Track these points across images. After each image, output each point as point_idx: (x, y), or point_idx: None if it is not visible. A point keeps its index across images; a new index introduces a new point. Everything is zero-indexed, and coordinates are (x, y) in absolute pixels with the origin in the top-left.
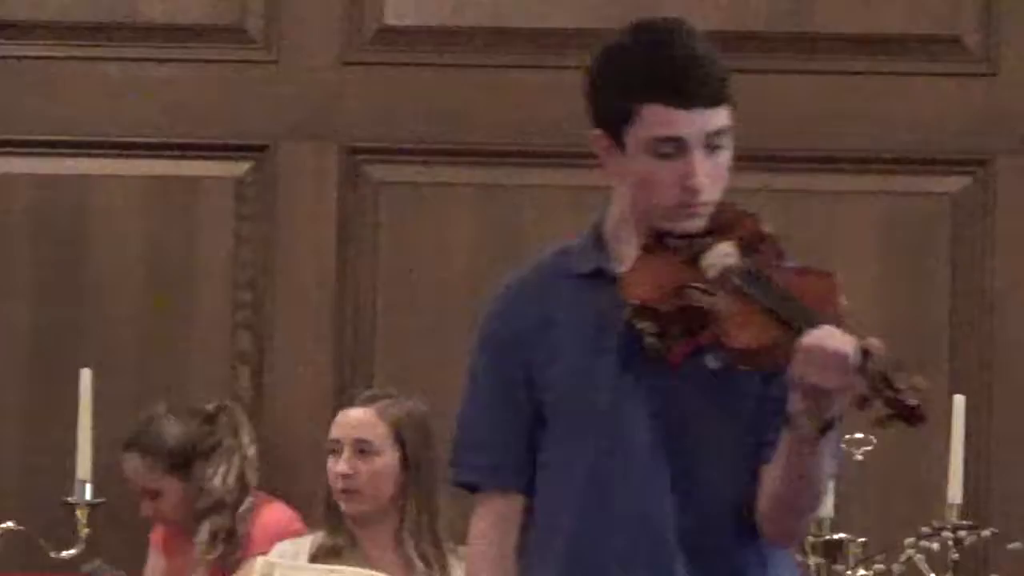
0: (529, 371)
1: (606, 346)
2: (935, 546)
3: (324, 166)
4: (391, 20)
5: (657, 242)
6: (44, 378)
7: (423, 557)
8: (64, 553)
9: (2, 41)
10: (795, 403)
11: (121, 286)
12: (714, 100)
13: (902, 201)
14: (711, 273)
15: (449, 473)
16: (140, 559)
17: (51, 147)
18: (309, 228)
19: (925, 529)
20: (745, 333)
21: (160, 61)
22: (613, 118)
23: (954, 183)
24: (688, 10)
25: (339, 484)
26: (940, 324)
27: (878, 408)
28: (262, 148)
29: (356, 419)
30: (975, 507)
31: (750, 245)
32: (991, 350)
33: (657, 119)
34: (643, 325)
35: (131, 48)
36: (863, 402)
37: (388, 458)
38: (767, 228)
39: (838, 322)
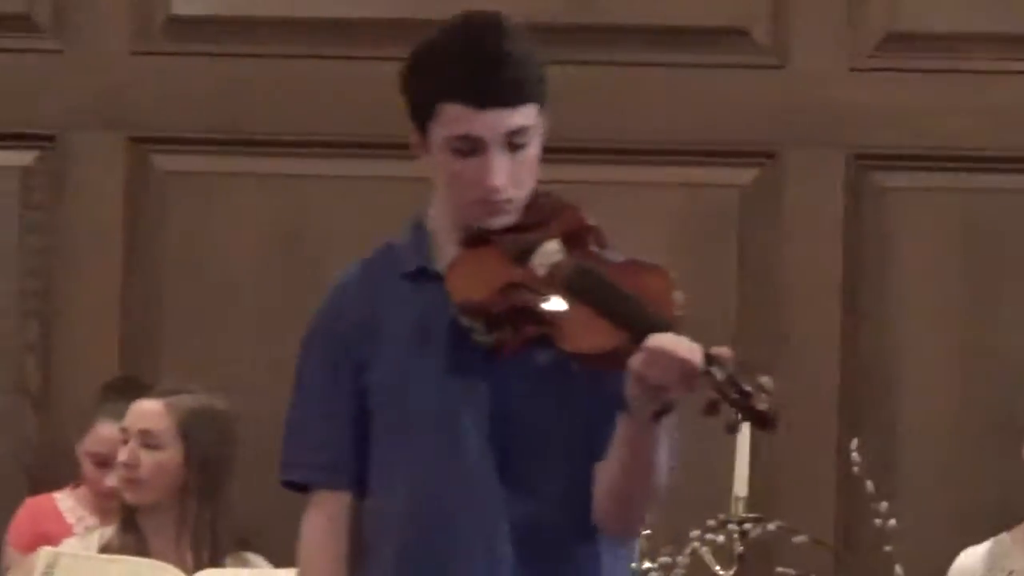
0: (357, 371)
1: (431, 346)
2: (720, 539)
3: (112, 155)
4: (179, 10)
5: (477, 237)
6: None
7: (197, 555)
8: None
9: None
10: (632, 391)
11: None
12: (512, 100)
13: (692, 193)
14: (540, 272)
15: (279, 472)
16: None
17: None
18: (97, 217)
19: (711, 522)
20: (584, 337)
21: None
22: (418, 114)
23: (744, 175)
24: (482, 3)
25: (122, 473)
26: (728, 317)
27: (728, 412)
28: (50, 137)
29: (144, 411)
30: (761, 500)
31: (575, 238)
32: (779, 343)
33: (454, 117)
34: (472, 324)
35: None
36: (713, 407)
37: (171, 452)
38: (589, 218)
39: (676, 321)
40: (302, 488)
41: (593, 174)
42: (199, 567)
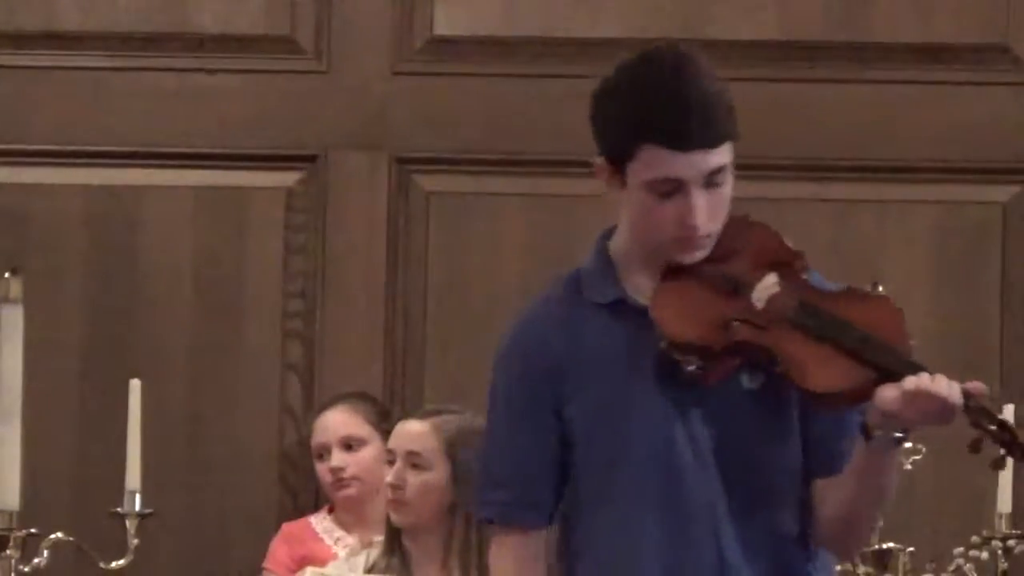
0: (558, 403)
1: (637, 377)
2: (984, 555)
3: (374, 176)
4: (441, 30)
5: (680, 270)
6: (95, 388)
7: (474, 572)
8: (114, 564)
9: (53, 51)
10: (876, 421)
11: (172, 296)
12: (712, 142)
13: (953, 210)
14: (759, 306)
15: (475, 508)
16: (188, 570)
17: (103, 158)
18: (359, 238)
19: (974, 538)
20: (821, 375)
21: (211, 71)
22: (615, 153)
23: (1005, 192)
24: (739, 20)
25: (388, 495)
26: (991, 333)
27: (991, 447)
28: (312, 158)
29: (410, 431)
30: None
31: (785, 267)
32: None
33: (655, 160)
34: (686, 359)
35: (182, 58)
36: (977, 445)
37: (439, 473)
38: (789, 242)
39: (910, 352)
40: (493, 523)
41: (852, 192)
42: None
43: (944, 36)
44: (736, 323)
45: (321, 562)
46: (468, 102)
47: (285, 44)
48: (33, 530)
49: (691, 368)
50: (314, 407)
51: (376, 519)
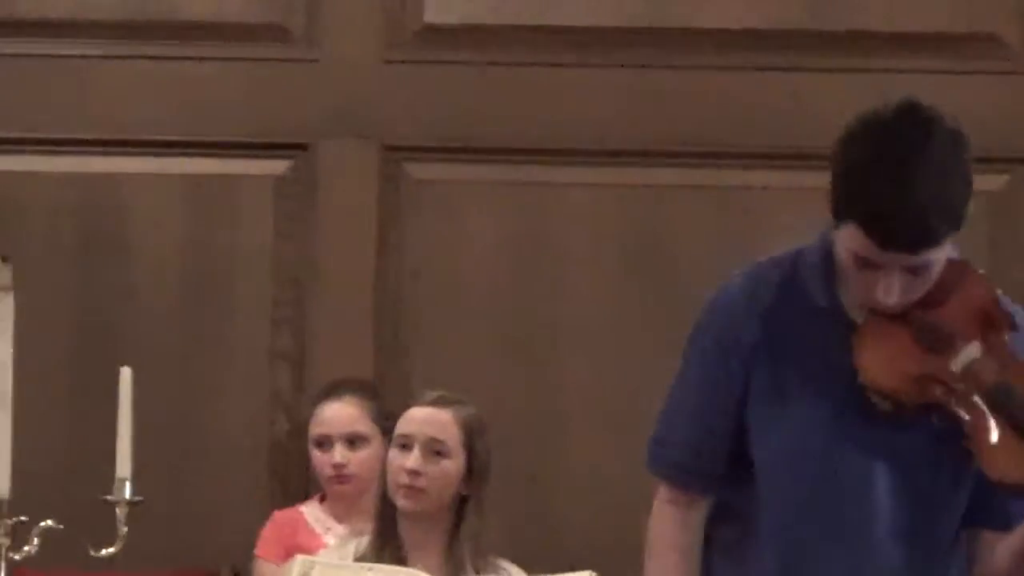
0: (746, 383)
1: (827, 390)
2: None
3: (364, 164)
4: (432, 18)
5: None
6: (84, 376)
7: (474, 563)
8: (103, 551)
9: (40, 39)
10: None
11: (161, 284)
12: (916, 248)
13: None
14: (955, 368)
15: (647, 460)
16: (178, 558)
17: (91, 146)
18: (349, 225)
19: None
20: (1006, 462)
21: (200, 59)
22: (831, 208)
23: (992, 181)
24: (729, 9)
25: (403, 480)
26: None
27: None
28: (302, 146)
29: (432, 418)
30: None
31: (991, 329)
32: None
33: (857, 240)
34: (879, 402)
35: (171, 46)
36: None
37: (457, 461)
38: (997, 296)
39: None
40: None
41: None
42: (478, 574)
43: (934, 25)
44: (931, 382)
45: (311, 551)
46: (458, 91)
47: (275, 32)
48: (23, 518)
49: (882, 406)
50: (315, 393)
51: (367, 510)
